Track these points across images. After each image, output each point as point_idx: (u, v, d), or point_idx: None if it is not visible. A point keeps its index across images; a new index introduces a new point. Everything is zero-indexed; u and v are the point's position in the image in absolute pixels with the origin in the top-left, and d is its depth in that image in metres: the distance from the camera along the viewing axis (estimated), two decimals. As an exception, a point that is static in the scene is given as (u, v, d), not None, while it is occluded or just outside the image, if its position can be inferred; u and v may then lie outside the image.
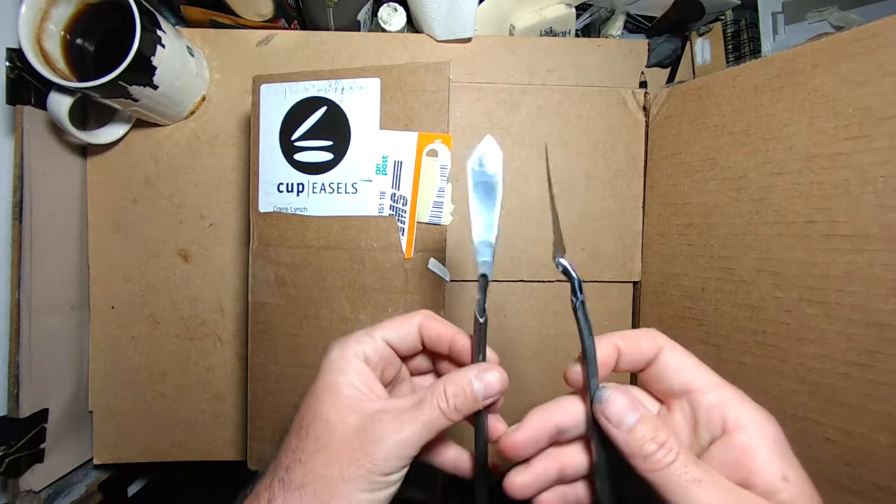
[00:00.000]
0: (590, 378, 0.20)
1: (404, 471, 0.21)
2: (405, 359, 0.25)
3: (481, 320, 0.21)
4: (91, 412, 0.45)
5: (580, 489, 0.23)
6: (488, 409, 0.22)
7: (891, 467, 0.24)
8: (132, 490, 0.50)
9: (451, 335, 0.23)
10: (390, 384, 0.25)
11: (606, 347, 0.21)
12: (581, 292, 0.20)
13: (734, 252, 0.31)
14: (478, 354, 0.22)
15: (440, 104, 0.36)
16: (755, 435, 0.18)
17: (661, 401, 0.22)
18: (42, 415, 0.40)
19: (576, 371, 0.21)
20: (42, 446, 0.40)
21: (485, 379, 0.21)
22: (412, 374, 0.26)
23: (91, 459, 0.45)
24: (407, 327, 0.24)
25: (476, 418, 0.22)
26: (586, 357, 0.20)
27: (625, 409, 0.19)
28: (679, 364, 0.20)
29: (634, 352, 0.21)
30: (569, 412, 0.21)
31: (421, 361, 0.26)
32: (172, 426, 0.45)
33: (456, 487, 0.47)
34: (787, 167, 0.29)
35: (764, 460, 0.17)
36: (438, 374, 0.26)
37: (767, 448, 0.17)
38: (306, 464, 0.20)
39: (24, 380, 0.38)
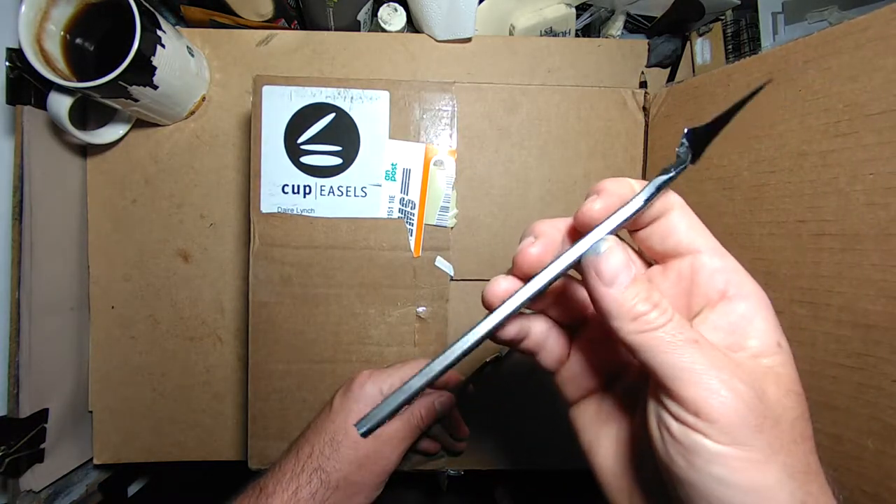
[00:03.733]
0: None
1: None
2: None
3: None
4: (91, 412, 0.45)
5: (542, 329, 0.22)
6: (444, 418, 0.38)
7: (879, 473, 0.23)
8: (132, 490, 0.51)
9: (454, 376, 0.38)
10: None
11: (623, 184, 0.18)
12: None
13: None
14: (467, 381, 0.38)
15: (447, 121, 0.39)
16: (757, 305, 0.17)
17: (648, 263, 0.20)
18: (42, 415, 0.40)
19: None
20: (42, 446, 0.40)
21: (441, 402, 0.36)
22: None
23: (91, 459, 0.45)
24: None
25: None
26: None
27: (621, 267, 0.17)
28: (690, 223, 0.19)
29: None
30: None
31: None
32: (172, 426, 0.46)
33: (456, 488, 0.47)
34: (779, 165, 0.29)
35: (761, 327, 0.17)
36: None
37: (766, 317, 0.17)
38: (340, 471, 0.31)
39: (24, 380, 0.38)
